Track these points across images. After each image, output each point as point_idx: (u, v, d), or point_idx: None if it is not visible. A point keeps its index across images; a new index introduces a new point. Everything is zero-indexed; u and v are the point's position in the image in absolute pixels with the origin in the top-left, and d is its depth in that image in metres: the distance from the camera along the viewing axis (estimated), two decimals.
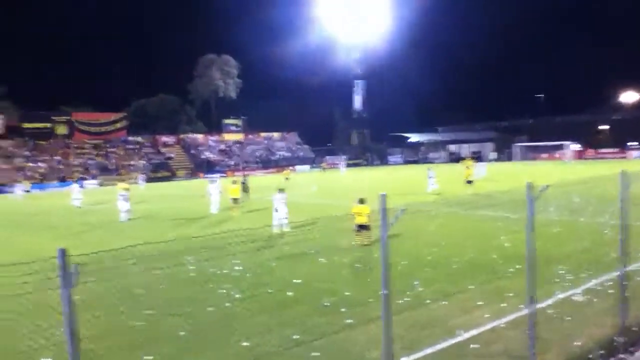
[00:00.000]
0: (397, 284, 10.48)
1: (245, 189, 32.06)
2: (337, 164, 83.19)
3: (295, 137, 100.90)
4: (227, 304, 10.17)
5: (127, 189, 27.02)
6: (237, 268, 12.86)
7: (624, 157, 72.58)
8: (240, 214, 25.16)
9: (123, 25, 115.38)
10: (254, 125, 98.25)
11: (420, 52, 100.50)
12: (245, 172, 59.58)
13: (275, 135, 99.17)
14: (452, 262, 12.80)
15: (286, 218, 18.73)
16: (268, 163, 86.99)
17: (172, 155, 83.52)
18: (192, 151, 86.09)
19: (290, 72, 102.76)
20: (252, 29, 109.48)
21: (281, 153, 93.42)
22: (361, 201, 15.38)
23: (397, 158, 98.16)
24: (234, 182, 27.38)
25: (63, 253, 3.99)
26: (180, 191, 47.68)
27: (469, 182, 30.59)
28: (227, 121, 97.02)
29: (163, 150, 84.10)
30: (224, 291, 11.09)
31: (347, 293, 10.47)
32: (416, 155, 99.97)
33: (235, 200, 26.17)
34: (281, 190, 19.76)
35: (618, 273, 8.22)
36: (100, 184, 66.44)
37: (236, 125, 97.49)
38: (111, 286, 10.63)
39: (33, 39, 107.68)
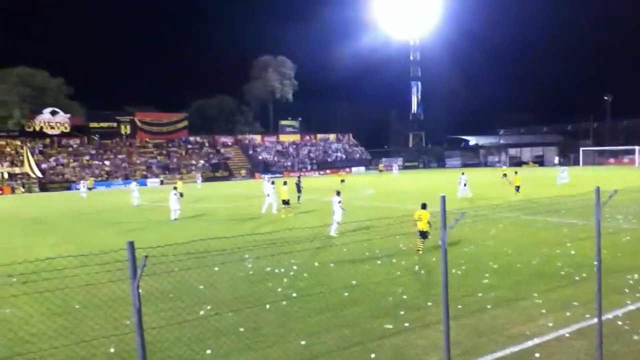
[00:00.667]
0: (457, 289, 10.34)
1: (298, 189, 32.29)
2: (391, 166, 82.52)
3: (351, 139, 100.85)
4: (284, 303, 10.27)
5: (176, 188, 27.39)
6: (294, 267, 12.98)
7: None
8: (294, 215, 25.24)
9: (183, 27, 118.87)
10: (310, 126, 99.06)
11: (479, 53, 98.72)
12: (301, 173, 59.95)
13: (331, 136, 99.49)
14: (515, 269, 12.44)
15: (337, 222, 18.17)
16: (324, 164, 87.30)
17: (231, 155, 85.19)
18: (250, 152, 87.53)
19: (345, 73, 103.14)
20: (308, 30, 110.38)
21: (337, 155, 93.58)
22: (423, 206, 15.07)
23: (456, 161, 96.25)
24: (285, 184, 27.02)
25: (132, 246, 4.14)
26: (236, 190, 48.56)
27: (517, 188, 29.49)
28: (283, 122, 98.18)
29: (222, 150, 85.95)
30: (281, 289, 11.21)
31: (404, 296, 10.37)
32: (476, 159, 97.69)
33: (285, 202, 26.09)
34: (338, 192, 19.23)
35: None
36: (162, 182, 68.67)
37: (292, 127, 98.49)
38: (174, 281, 10.95)
39: (99, 41, 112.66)
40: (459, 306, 9.41)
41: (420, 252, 14.46)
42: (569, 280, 10.96)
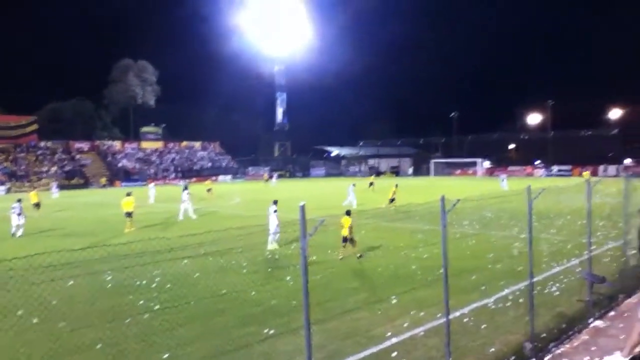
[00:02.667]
0: (322, 294, 10.69)
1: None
2: (272, 175, 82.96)
3: (218, 147, 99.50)
4: (146, 316, 9.89)
5: (20, 201, 23.37)
6: (157, 279, 12.55)
7: (531, 175, 77.27)
8: (136, 229, 22.53)
9: (35, 23, 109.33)
10: (175, 133, 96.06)
11: (341, 67, 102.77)
12: (187, 181, 57.53)
13: (197, 144, 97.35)
14: (376, 273, 13.14)
15: (277, 233, 17.24)
16: (189, 172, 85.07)
17: (87, 162, 79.85)
18: (109, 158, 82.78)
19: (212, 81, 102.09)
20: (172, 35, 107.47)
21: (203, 163, 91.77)
22: (347, 213, 15.43)
23: (320, 171, 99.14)
24: (129, 195, 23.70)
25: None
26: (96, 199, 45.62)
27: (392, 200, 30.07)
28: (145, 129, 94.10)
29: (77, 156, 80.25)
30: (143, 302, 10.78)
31: (272, 303, 10.49)
32: (338, 168, 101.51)
33: (128, 214, 22.95)
34: (275, 201, 17.93)
35: (527, 283, 8.77)
36: (9, 190, 62.24)
37: (155, 133, 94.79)
38: (23, 296, 10.04)
39: None
40: (324, 310, 9.73)
41: (341, 257, 14.94)
42: (423, 282, 11.82)
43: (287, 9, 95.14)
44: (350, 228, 15.10)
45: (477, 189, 43.00)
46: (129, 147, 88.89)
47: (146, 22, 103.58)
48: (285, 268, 13.80)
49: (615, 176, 59.89)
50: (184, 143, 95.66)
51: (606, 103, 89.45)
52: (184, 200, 27.01)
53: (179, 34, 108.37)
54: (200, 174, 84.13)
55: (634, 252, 13.28)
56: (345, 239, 15.07)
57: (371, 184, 46.77)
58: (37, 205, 31.65)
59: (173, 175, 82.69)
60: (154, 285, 12.15)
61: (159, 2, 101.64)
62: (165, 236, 16.20)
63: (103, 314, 10.06)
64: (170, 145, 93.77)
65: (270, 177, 73.40)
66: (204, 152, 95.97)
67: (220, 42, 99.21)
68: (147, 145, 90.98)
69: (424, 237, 17.86)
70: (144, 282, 12.34)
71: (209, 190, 41.47)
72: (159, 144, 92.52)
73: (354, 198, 31.55)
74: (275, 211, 17.27)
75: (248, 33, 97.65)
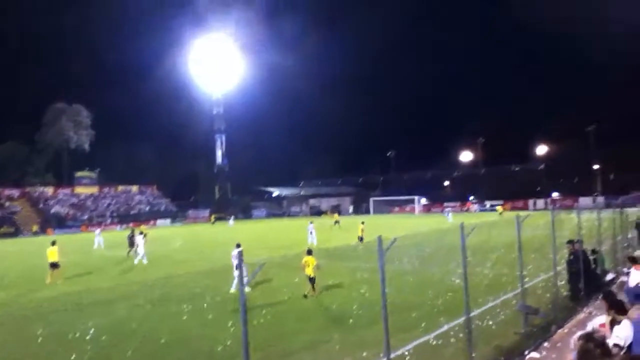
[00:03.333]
0: (264, 338, 10.55)
1: (131, 243, 29.80)
2: (203, 217, 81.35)
3: (155, 190, 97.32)
4: None
5: None
6: (91, 331, 12.00)
7: (467, 210, 79.82)
8: (62, 281, 20.77)
9: None
10: (110, 177, 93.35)
11: (279, 108, 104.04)
12: (134, 227, 55.11)
13: (134, 188, 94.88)
14: (319, 313, 13.10)
15: (246, 276, 16.22)
16: (126, 217, 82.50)
17: (17, 209, 76.13)
18: (40, 205, 79.25)
19: (148, 124, 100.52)
20: (107, 77, 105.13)
21: (140, 207, 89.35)
22: (309, 252, 15.65)
23: (261, 212, 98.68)
24: (54, 244, 22.09)
25: None
26: (25, 247, 43.31)
27: (360, 238, 29.94)
28: (79, 173, 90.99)
29: (7, 204, 76.36)
30: (74, 356, 10.27)
31: (216, 348, 10.24)
32: (280, 209, 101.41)
33: (53, 264, 21.24)
34: (238, 244, 17.20)
35: (464, 318, 9.00)
36: None
37: (90, 178, 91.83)
38: None
39: None
40: (267, 355, 9.59)
41: (308, 297, 14.94)
42: (364, 322, 11.88)
43: (224, 52, 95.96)
44: (316, 267, 15.27)
45: (416, 226, 43.95)
46: (62, 192, 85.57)
47: (81, 64, 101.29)
48: (225, 311, 13.52)
49: (544, 209, 62.79)
50: (120, 187, 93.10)
51: (533, 139, 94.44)
52: (138, 244, 26.93)
53: (115, 76, 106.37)
54: (138, 219, 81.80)
55: (564, 282, 13.92)
56: (311, 279, 15.20)
57: (336, 222, 48.94)
58: None
59: (109, 221, 79.98)
60: (87, 337, 11.62)
61: (95, 44, 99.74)
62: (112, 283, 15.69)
63: None
64: (106, 189, 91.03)
65: (220, 218, 72.56)
66: (141, 196, 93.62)
67: (156, 84, 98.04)
68: (82, 190, 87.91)
69: (367, 276, 17.99)
70: (77, 334, 11.77)
71: (141, 233, 39.36)
72: (94, 189, 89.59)
73: (314, 237, 32.08)
74: (240, 253, 16.79)
75: (186, 75, 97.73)
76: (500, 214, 55.43)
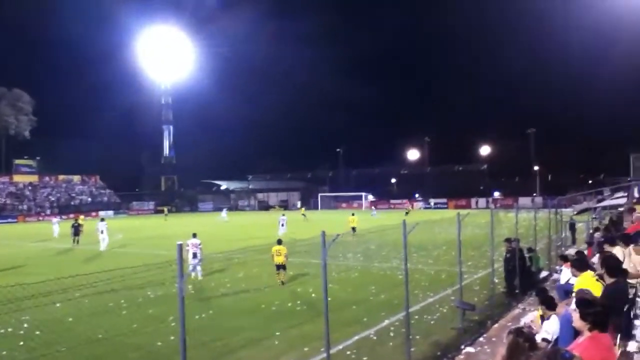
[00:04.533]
0: (206, 334, 10.45)
1: (76, 232, 30.97)
2: (150, 209, 79.27)
3: (98, 181, 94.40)
4: None
5: None
6: (25, 325, 11.55)
7: (411, 208, 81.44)
8: None
9: None
10: (52, 167, 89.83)
11: (229, 101, 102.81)
12: (79, 216, 52.93)
13: (76, 178, 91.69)
14: (260, 309, 13.06)
15: (199, 263, 17.22)
16: (67, 208, 79.57)
17: None
18: None
19: (93, 112, 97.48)
20: (51, 63, 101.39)
21: (82, 197, 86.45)
22: (279, 242, 16.71)
23: (208, 205, 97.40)
24: None
25: None
26: None
27: (353, 229, 29.44)
28: (18, 161, 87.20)
29: None
30: (6, 352, 9.88)
31: (153, 347, 10.06)
32: (228, 202, 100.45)
33: None
34: (195, 234, 18.48)
35: (404, 313, 9.19)
36: None
37: (29, 166, 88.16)
38: None
39: None
40: (209, 350, 9.51)
41: (282, 284, 15.89)
42: (307, 317, 11.94)
43: (173, 41, 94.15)
44: (286, 256, 16.17)
45: (363, 222, 44.45)
46: (0, 181, 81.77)
47: (22, 48, 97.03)
48: (167, 306, 13.28)
49: (486, 208, 64.75)
50: (62, 177, 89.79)
51: (477, 140, 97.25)
52: (101, 230, 28.39)
53: (59, 62, 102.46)
54: (80, 210, 79.12)
55: (500, 280, 14.44)
56: (279, 266, 16.13)
57: (303, 215, 53.99)
58: None
59: (49, 212, 76.96)
60: (21, 332, 11.18)
61: (38, 28, 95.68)
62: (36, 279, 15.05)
63: None
64: (46, 179, 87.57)
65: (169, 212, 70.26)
66: (83, 187, 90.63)
67: (103, 72, 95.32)
68: (21, 179, 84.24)
69: (312, 271, 18.07)
70: (9, 329, 11.31)
71: (77, 224, 37.30)
72: (33, 178, 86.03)
73: (283, 228, 33.82)
74: (199, 244, 17.92)
75: (134, 64, 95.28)
76: (407, 213, 55.59)
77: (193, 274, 17.18)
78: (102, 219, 30.79)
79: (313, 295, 14.32)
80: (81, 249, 29.14)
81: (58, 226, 38.64)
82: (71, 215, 76.00)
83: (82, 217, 49.92)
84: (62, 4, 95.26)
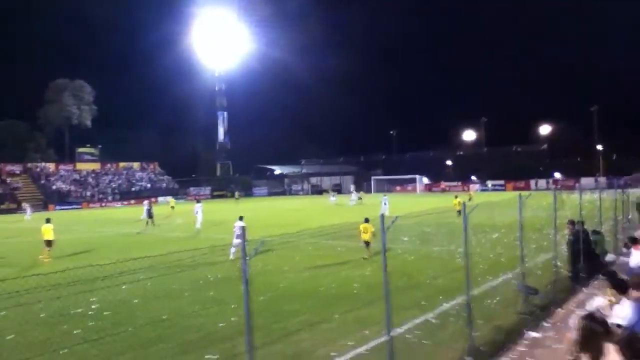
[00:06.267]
0: (266, 317, 10.59)
1: (149, 215, 33.93)
2: (201, 195, 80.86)
3: (157, 168, 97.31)
4: (81, 346, 9.48)
5: None
6: (94, 307, 12.08)
7: (467, 190, 79.81)
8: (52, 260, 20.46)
9: None
10: (112, 154, 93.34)
11: (282, 87, 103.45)
12: (151, 200, 55.88)
13: (135, 165, 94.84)
14: (319, 293, 13.14)
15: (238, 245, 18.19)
16: (128, 194, 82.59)
17: (19, 185, 76.20)
18: (42, 181, 79.32)
19: (151, 101, 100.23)
20: (110, 54, 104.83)
21: (142, 184, 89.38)
22: (366, 220, 17.78)
23: (262, 190, 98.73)
24: (48, 221, 21.80)
25: None
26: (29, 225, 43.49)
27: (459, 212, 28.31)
28: (81, 150, 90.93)
29: (8, 180, 76.41)
30: (78, 332, 10.35)
31: (215, 328, 10.29)
32: (281, 187, 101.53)
33: (48, 242, 21.16)
34: (241, 217, 19.29)
35: (464, 297, 9.02)
36: None
37: (92, 154, 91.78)
38: None
39: None
40: (267, 333, 9.64)
41: (366, 258, 17.04)
42: (365, 300, 11.91)
43: (228, 27, 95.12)
44: (373, 233, 17.16)
45: (417, 205, 43.98)
46: (64, 169, 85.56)
47: (83, 41, 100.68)
48: (227, 288, 13.56)
49: (546, 189, 62.70)
50: (122, 164, 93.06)
51: (536, 120, 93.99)
52: (196, 210, 31.45)
53: (117, 52, 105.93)
54: (140, 196, 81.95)
55: (564, 263, 13.94)
56: (366, 243, 17.45)
57: (360, 198, 55.99)
58: None
59: (110, 198, 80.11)
60: (90, 312, 11.69)
61: (96, 21, 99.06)
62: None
63: (36, 346, 9.58)
64: (108, 166, 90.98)
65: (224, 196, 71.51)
66: (142, 173, 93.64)
67: (159, 60, 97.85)
68: (83, 166, 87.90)
69: (364, 254, 18.02)
70: (79, 309, 11.85)
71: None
72: (95, 166, 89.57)
73: (385, 207, 35.39)
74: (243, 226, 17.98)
75: (188, 52, 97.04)
76: (470, 199, 43.53)
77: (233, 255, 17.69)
78: (198, 201, 35.23)
79: (371, 278, 14.26)
80: (154, 233, 30.32)
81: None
82: (132, 201, 79.07)
83: (172, 200, 53.68)
84: None
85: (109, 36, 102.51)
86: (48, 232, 21.28)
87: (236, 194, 78.12)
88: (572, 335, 4.33)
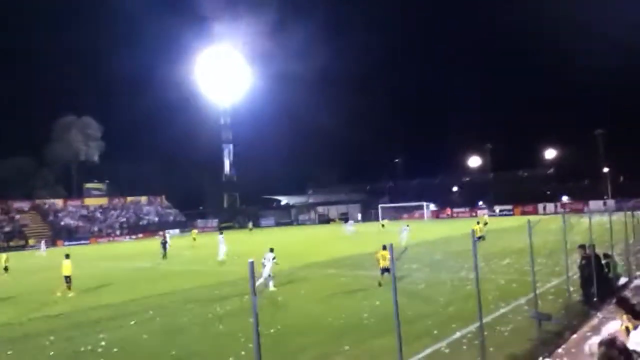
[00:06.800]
0: (275, 351, 10.48)
1: (164, 247, 35.23)
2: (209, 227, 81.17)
3: (164, 201, 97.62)
4: None
5: None
6: (103, 343, 12.01)
7: (475, 215, 79.42)
8: (75, 294, 20.70)
9: None
10: (120, 189, 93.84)
11: (286, 117, 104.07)
12: (166, 232, 56.38)
13: (143, 199, 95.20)
14: (326, 323, 13.01)
15: (271, 277, 18.71)
16: (135, 228, 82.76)
17: (27, 222, 76.53)
18: (50, 217, 79.65)
19: (157, 135, 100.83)
20: (116, 89, 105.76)
21: (149, 217, 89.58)
22: (384, 247, 17.73)
23: (269, 221, 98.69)
24: (67, 257, 22.28)
25: None
26: (38, 261, 43.51)
27: (480, 237, 26.72)
28: (88, 185, 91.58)
29: (17, 216, 76.81)
30: None
31: None
32: (288, 217, 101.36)
33: (68, 277, 21.45)
34: (271, 249, 19.54)
35: (477, 324, 8.92)
36: None
37: (99, 190, 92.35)
38: None
39: None
40: None
41: (381, 285, 17.19)
42: (375, 331, 11.78)
43: (231, 62, 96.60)
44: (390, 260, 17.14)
45: (426, 233, 43.76)
46: (72, 204, 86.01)
47: (90, 76, 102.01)
48: (236, 321, 13.46)
49: (554, 213, 62.32)
50: (130, 198, 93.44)
51: (541, 144, 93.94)
52: (220, 242, 31.51)
53: (122, 87, 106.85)
54: (147, 229, 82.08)
55: (576, 288, 13.78)
56: (383, 270, 17.56)
57: (383, 225, 57.62)
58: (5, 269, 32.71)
59: (119, 232, 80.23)
60: (99, 350, 11.62)
61: (102, 56, 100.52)
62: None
63: None
64: (115, 201, 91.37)
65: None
66: (150, 207, 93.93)
67: (164, 95, 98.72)
68: (91, 202, 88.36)
69: (373, 284, 17.91)
70: (89, 347, 11.79)
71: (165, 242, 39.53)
72: (103, 200, 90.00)
73: (405, 237, 33.99)
74: (273, 258, 18.98)
75: (193, 86, 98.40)
76: (485, 224, 41.32)
77: (259, 282, 18.02)
78: (221, 232, 35.58)
79: (380, 308, 14.12)
80: (165, 267, 30.28)
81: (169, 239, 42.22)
82: (140, 235, 79.18)
83: (195, 231, 54.76)
84: (121, 29, 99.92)
85: (116, 71, 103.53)
86: (68, 268, 21.75)
87: (250, 224, 78.24)
88: None
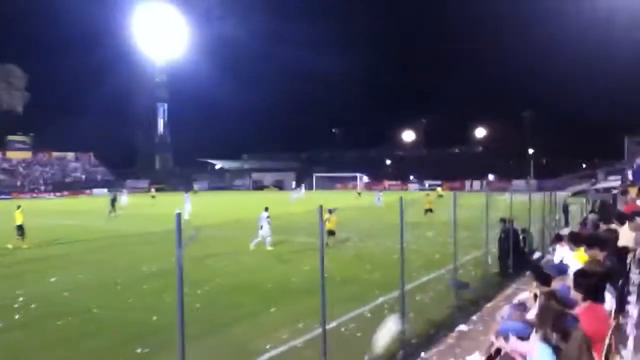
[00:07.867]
0: (203, 309, 10.48)
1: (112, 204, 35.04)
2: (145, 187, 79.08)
3: (92, 159, 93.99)
4: (4, 339, 9.10)
5: None
6: (21, 299, 11.58)
7: (406, 189, 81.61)
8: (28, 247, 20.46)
9: None
10: (45, 143, 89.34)
11: (224, 81, 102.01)
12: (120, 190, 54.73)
13: (69, 155, 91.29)
14: (255, 285, 13.12)
15: (269, 236, 19.14)
16: (60, 186, 79.37)
17: None
18: None
19: (88, 89, 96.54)
20: (44, 38, 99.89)
21: (76, 175, 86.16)
22: (330, 211, 18.78)
23: (203, 184, 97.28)
24: (19, 207, 22.02)
25: None
26: None
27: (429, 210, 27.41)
28: (11, 137, 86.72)
29: None
30: (2, 325, 9.91)
31: (149, 321, 10.09)
32: (222, 182, 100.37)
33: (20, 227, 21.25)
34: (266, 208, 19.97)
35: (399, 291, 9.23)
36: None
37: (23, 142, 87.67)
38: None
39: None
40: (204, 325, 9.54)
41: (329, 245, 17.50)
42: (302, 294, 11.99)
43: (169, 19, 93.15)
44: (335, 223, 19.23)
45: (357, 202, 44.58)
46: None
47: (14, 22, 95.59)
48: (164, 280, 13.29)
49: (480, 190, 65.00)
50: (55, 154, 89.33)
51: (472, 122, 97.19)
52: (186, 201, 31.61)
53: (53, 38, 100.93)
54: (73, 187, 78.98)
55: (494, 260, 14.53)
56: (330, 232, 18.47)
57: (359, 194, 61.09)
58: None
59: (42, 189, 76.72)
60: (15, 305, 11.20)
61: (33, 4, 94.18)
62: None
63: None
64: (40, 155, 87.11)
65: (160, 189, 70.81)
66: (77, 164, 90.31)
67: (98, 48, 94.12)
68: (14, 155, 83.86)
69: (303, 248, 18.14)
70: (7, 301, 11.35)
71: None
72: (27, 154, 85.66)
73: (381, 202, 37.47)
74: (267, 217, 19.26)
75: (129, 40, 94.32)
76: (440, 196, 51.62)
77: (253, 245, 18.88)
78: (187, 191, 37.07)
79: (309, 272, 14.33)
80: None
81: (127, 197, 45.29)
82: (65, 193, 76.07)
83: (153, 190, 54.50)
84: None
85: (44, 20, 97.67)
86: (19, 217, 21.46)
87: (195, 186, 77.02)
88: (497, 327, 4.55)
